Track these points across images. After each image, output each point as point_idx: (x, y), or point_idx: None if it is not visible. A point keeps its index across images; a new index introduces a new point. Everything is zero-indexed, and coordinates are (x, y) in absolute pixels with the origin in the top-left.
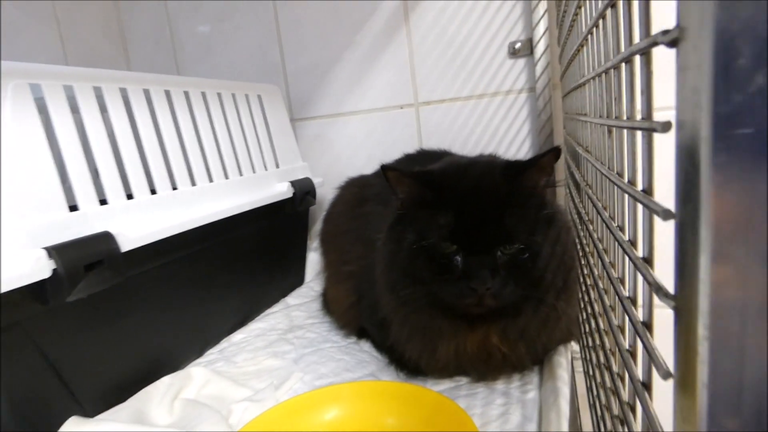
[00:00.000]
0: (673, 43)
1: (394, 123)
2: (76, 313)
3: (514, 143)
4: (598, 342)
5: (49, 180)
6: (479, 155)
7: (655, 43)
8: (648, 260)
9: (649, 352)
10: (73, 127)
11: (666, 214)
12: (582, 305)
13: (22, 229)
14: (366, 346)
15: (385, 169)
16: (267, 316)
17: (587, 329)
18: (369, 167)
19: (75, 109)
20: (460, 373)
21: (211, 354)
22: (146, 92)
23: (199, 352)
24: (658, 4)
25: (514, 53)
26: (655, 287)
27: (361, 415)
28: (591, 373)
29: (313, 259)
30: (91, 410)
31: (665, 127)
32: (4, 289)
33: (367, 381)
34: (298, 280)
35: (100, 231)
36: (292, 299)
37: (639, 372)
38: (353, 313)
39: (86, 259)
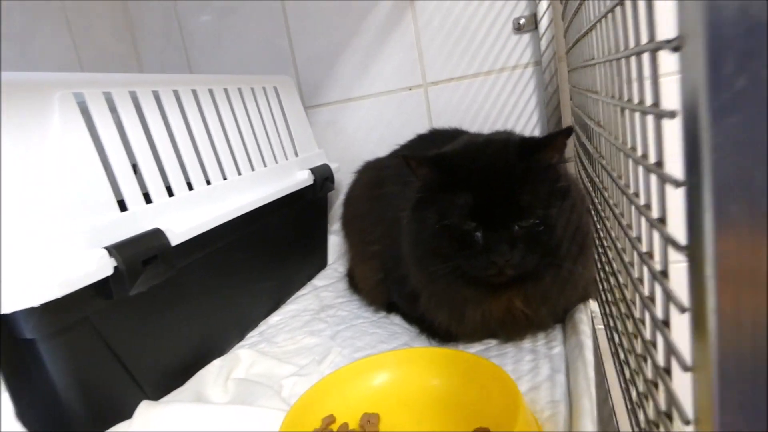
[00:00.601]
0: (675, 49)
1: (404, 104)
2: (134, 307)
3: (522, 117)
4: (618, 295)
5: (100, 183)
6: (494, 132)
7: (660, 48)
8: (662, 220)
9: (668, 293)
10: (116, 131)
11: (677, 183)
12: (600, 265)
13: (81, 232)
14: (396, 319)
15: (406, 159)
16: (298, 299)
17: (606, 286)
18: (381, 149)
19: (116, 116)
20: (489, 336)
21: (252, 337)
22: (175, 93)
23: (240, 336)
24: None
25: (518, 29)
26: (670, 241)
27: (407, 378)
28: (612, 324)
29: (334, 242)
30: (152, 395)
31: (672, 114)
32: (74, 288)
33: (408, 348)
34: (322, 263)
35: (151, 228)
36: (319, 281)
37: (659, 311)
38: (381, 289)
39: (143, 255)
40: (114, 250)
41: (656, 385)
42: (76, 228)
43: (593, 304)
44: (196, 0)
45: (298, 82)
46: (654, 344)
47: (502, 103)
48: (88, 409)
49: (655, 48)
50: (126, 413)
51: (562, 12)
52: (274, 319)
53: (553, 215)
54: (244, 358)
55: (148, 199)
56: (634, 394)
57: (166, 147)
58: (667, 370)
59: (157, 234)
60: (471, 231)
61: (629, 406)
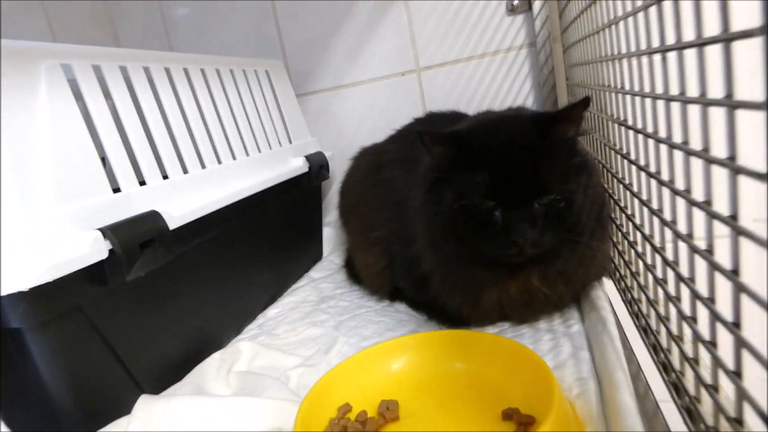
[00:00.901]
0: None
1: (397, 91)
2: (130, 296)
3: (518, 99)
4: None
5: (91, 161)
6: (506, 109)
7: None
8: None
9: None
10: (107, 108)
11: (761, 177)
12: (617, 239)
13: (73, 213)
14: (401, 307)
15: (421, 135)
16: (296, 291)
17: (628, 258)
18: (374, 137)
19: (105, 91)
20: (503, 318)
21: (251, 330)
22: (167, 70)
23: (238, 330)
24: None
25: (512, 10)
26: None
27: (426, 363)
28: (635, 297)
29: (329, 234)
30: (149, 391)
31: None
32: (66, 272)
33: (425, 332)
34: (318, 255)
35: (147, 210)
36: (316, 273)
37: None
38: (385, 276)
39: (140, 238)
40: (109, 231)
41: (697, 361)
42: (67, 208)
43: (606, 281)
44: None
45: (287, 69)
46: (694, 318)
47: (497, 87)
48: (79, 406)
49: (742, 35)
50: (121, 410)
51: None
52: (273, 311)
53: (572, 190)
54: (245, 351)
55: (141, 184)
56: (676, 363)
57: (159, 126)
58: (713, 343)
59: (154, 216)
60: (489, 210)
61: (667, 379)
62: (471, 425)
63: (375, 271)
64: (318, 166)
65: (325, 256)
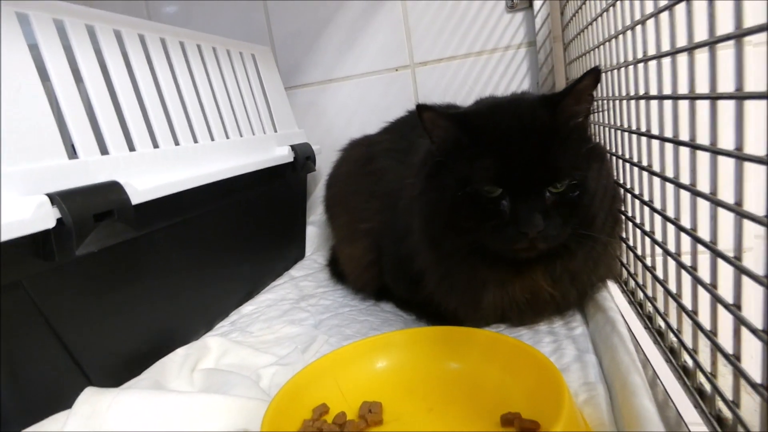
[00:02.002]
0: None
1: (390, 86)
2: (82, 276)
3: None
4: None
5: (44, 120)
6: (512, 93)
7: None
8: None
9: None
10: (68, 67)
11: None
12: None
13: (14, 174)
14: (387, 307)
15: (421, 109)
16: (274, 288)
17: (640, 254)
18: (363, 134)
19: (69, 50)
20: (501, 320)
21: (222, 327)
22: (141, 37)
23: (208, 326)
24: None
25: (512, 7)
26: None
27: (414, 362)
28: (651, 295)
29: (312, 233)
30: (100, 385)
31: None
32: (2, 238)
33: (415, 328)
34: (299, 253)
35: (107, 180)
36: (296, 272)
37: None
38: (372, 272)
39: (95, 208)
40: (58, 197)
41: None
42: (9, 169)
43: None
44: None
45: (275, 60)
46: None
47: (494, 85)
48: (14, 396)
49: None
50: (65, 404)
51: None
52: (248, 308)
53: (586, 177)
54: (213, 347)
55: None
56: (705, 366)
57: (128, 94)
58: (737, 357)
59: (113, 187)
60: (496, 199)
61: (690, 385)
62: (465, 431)
63: (362, 265)
64: (304, 156)
65: (308, 255)
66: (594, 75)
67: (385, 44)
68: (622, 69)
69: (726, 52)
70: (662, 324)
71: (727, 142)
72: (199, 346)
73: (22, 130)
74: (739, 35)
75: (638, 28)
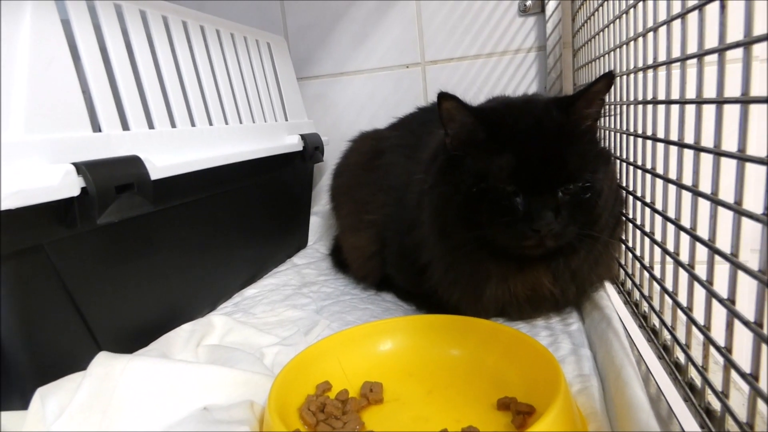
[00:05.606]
0: None
1: (400, 82)
2: (99, 245)
3: None
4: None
5: (71, 95)
6: (524, 94)
7: None
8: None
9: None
10: (96, 45)
11: None
12: (625, 235)
13: (46, 143)
14: (388, 296)
15: (442, 97)
16: (277, 274)
17: (640, 254)
18: (372, 127)
19: (98, 29)
20: (501, 314)
21: (226, 307)
22: (164, 19)
23: (212, 306)
24: None
25: (524, 11)
26: None
27: (415, 347)
28: (648, 294)
29: (315, 223)
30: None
31: None
32: (30, 202)
33: (417, 315)
34: (303, 242)
35: (128, 154)
36: (299, 259)
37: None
38: (374, 262)
39: (117, 180)
40: (84, 167)
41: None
42: (38, 138)
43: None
44: None
45: (288, 51)
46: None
47: (503, 87)
48: (29, 353)
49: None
50: (76, 366)
51: None
52: (251, 291)
53: (599, 180)
54: (218, 325)
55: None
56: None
57: (150, 74)
58: (728, 348)
59: (135, 161)
60: (510, 195)
61: (681, 379)
62: (462, 413)
63: (365, 255)
64: (313, 146)
65: (310, 244)
66: (607, 79)
67: (397, 41)
68: (626, 75)
69: (734, 66)
70: (657, 323)
71: (729, 145)
72: (205, 323)
73: (52, 101)
74: (748, 43)
75: (649, 35)
